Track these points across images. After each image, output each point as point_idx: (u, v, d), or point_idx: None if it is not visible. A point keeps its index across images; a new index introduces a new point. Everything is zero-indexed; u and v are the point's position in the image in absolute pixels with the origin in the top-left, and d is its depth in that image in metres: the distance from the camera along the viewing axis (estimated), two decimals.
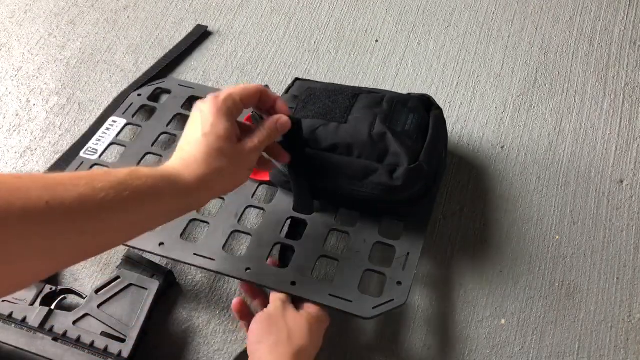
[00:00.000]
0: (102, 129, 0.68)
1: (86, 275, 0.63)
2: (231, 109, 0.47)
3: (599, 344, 0.58)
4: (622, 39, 0.78)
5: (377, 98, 0.60)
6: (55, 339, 0.53)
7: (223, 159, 0.45)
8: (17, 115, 0.74)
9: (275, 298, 0.53)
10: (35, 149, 0.72)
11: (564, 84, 0.74)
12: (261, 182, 0.63)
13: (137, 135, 0.68)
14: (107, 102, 0.75)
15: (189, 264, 0.57)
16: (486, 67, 0.76)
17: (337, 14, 0.82)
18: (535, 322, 0.60)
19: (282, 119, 0.51)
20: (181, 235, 0.58)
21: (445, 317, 0.60)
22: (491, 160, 0.69)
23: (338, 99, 0.60)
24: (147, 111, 0.72)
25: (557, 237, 0.64)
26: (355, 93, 0.61)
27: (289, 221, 0.60)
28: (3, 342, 0.52)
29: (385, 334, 0.59)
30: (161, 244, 0.58)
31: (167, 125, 0.68)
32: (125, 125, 0.69)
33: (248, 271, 0.55)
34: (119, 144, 0.67)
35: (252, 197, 0.62)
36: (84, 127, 0.73)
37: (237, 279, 0.56)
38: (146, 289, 0.56)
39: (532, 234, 0.64)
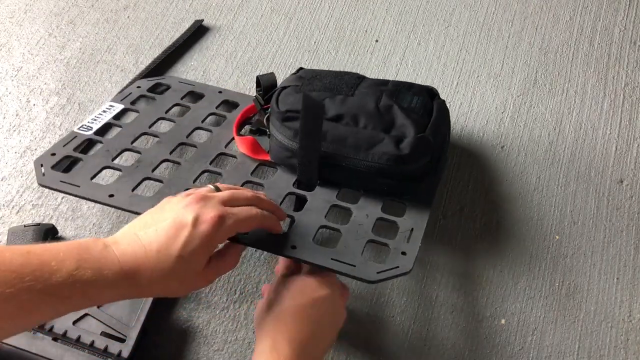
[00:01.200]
0: (99, 110, 0.68)
1: None
2: (223, 239, 0.45)
3: (599, 344, 0.58)
4: (622, 39, 0.78)
5: (381, 81, 0.62)
6: (55, 339, 0.53)
7: (175, 284, 0.43)
8: (17, 115, 0.74)
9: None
10: (35, 149, 0.72)
11: (564, 84, 0.74)
12: (261, 162, 0.62)
13: (135, 118, 0.67)
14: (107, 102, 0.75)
15: None
16: (486, 67, 0.76)
17: (337, 14, 0.82)
18: (535, 322, 0.60)
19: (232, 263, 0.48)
20: None
21: (446, 317, 0.60)
22: (491, 160, 0.69)
23: (344, 77, 0.61)
24: (146, 101, 0.72)
25: (557, 237, 0.64)
26: (360, 76, 0.63)
27: (288, 197, 0.58)
28: (3, 342, 0.52)
29: (386, 334, 0.59)
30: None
31: (166, 113, 0.68)
32: (123, 110, 0.68)
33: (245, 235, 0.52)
34: (115, 125, 0.67)
35: (251, 174, 0.61)
36: None
37: (235, 242, 0.52)
38: None
39: (532, 234, 0.64)
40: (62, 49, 0.80)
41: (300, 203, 0.58)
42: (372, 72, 0.76)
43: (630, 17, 0.79)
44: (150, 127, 0.66)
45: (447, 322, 0.60)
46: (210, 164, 0.62)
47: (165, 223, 0.42)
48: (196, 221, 0.42)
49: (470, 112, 0.73)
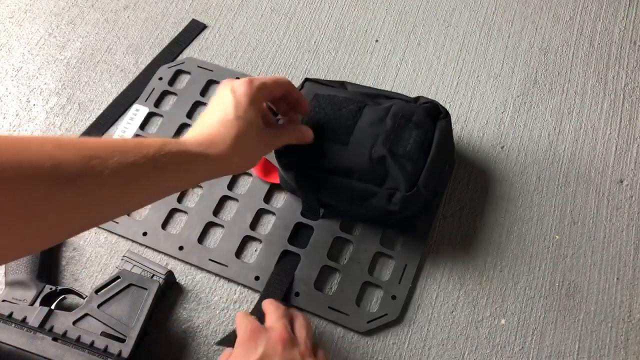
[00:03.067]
0: (127, 118, 0.72)
1: (86, 275, 0.63)
2: (262, 98, 0.50)
3: (599, 344, 0.58)
4: (622, 39, 0.78)
5: (381, 112, 0.60)
6: (55, 339, 0.53)
7: (248, 145, 0.48)
8: (17, 115, 0.74)
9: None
10: None
11: (564, 84, 0.74)
12: (272, 184, 0.66)
13: (159, 126, 0.72)
14: (107, 102, 0.75)
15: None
16: (486, 67, 0.76)
17: (337, 14, 0.82)
18: (535, 322, 0.60)
19: (308, 134, 0.56)
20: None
21: (446, 317, 0.60)
22: (491, 160, 0.69)
23: (342, 114, 0.60)
24: (168, 100, 0.75)
25: (557, 237, 0.64)
26: (360, 106, 0.60)
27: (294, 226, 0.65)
28: (3, 342, 0.52)
29: (386, 334, 0.59)
30: (181, 248, 0.64)
31: (188, 117, 0.72)
32: (148, 114, 0.72)
33: (257, 280, 0.61)
34: (140, 136, 0.71)
35: (264, 199, 0.66)
36: (83, 127, 0.73)
37: (244, 285, 0.62)
38: (146, 289, 0.56)
39: (532, 234, 0.64)
40: (62, 49, 0.80)
41: (305, 235, 0.64)
42: (372, 72, 0.76)
43: (630, 17, 0.79)
44: (173, 136, 0.69)
45: (447, 322, 0.60)
46: (229, 186, 0.67)
47: (211, 107, 0.50)
48: (235, 86, 0.50)
49: (470, 112, 0.73)
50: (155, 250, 0.64)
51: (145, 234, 0.64)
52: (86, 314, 0.54)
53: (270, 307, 0.52)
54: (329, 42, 0.79)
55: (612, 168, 0.68)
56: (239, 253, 0.63)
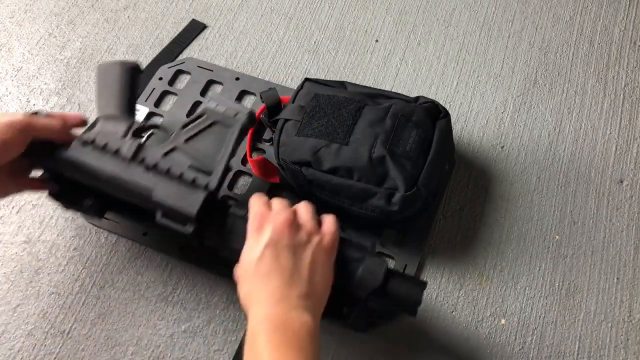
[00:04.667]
0: None
1: (86, 275, 0.63)
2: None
3: (599, 344, 0.58)
4: (622, 39, 0.78)
5: (380, 112, 0.60)
6: (147, 169, 0.54)
7: None
8: None
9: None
10: None
11: (564, 84, 0.74)
12: (272, 184, 0.66)
13: (160, 128, 0.70)
14: None
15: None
16: (486, 67, 0.76)
17: (337, 14, 0.82)
18: (535, 322, 0.60)
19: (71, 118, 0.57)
20: None
21: (445, 317, 0.60)
22: (491, 160, 0.69)
23: (342, 114, 0.60)
24: (168, 99, 0.75)
25: (557, 237, 0.64)
26: (360, 106, 0.61)
27: None
28: (101, 170, 0.54)
29: (386, 334, 0.59)
30: (181, 248, 0.63)
31: (188, 116, 0.72)
32: (148, 114, 0.73)
33: None
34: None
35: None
36: (83, 127, 0.73)
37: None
38: (230, 126, 0.56)
39: (532, 234, 0.64)
40: (62, 49, 0.80)
41: None
42: (372, 72, 0.76)
43: (630, 17, 0.79)
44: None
45: (447, 322, 0.60)
46: (229, 185, 0.67)
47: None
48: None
49: (470, 112, 0.73)
50: (155, 250, 0.64)
51: (145, 234, 0.64)
52: (175, 147, 0.55)
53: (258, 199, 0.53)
54: (329, 42, 0.79)
55: (612, 168, 0.68)
56: None
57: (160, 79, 0.75)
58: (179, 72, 0.76)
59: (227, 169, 0.55)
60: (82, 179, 0.55)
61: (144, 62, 0.78)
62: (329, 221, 0.51)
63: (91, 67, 0.78)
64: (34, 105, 0.75)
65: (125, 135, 0.57)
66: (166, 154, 0.55)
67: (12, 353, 0.59)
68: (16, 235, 0.66)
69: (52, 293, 0.62)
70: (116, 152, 0.55)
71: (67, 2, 0.84)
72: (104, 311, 0.61)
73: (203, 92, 0.74)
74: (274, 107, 0.66)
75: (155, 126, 0.61)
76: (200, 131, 0.56)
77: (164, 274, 0.63)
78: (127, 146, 0.55)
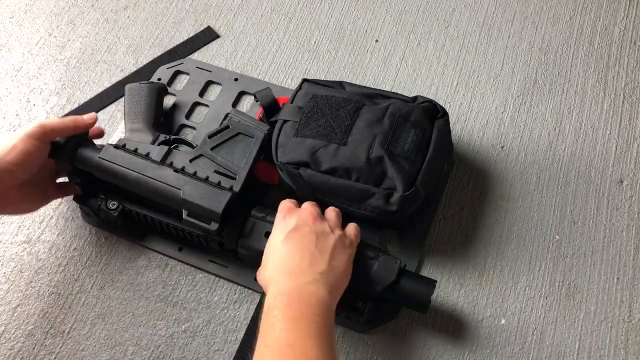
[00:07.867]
0: None
1: (86, 275, 0.63)
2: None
3: (599, 344, 0.58)
4: (622, 39, 0.78)
5: (378, 112, 0.60)
6: (175, 171, 0.58)
7: None
8: (17, 115, 0.74)
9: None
10: None
11: (564, 84, 0.74)
12: (271, 185, 0.66)
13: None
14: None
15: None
16: (486, 67, 0.76)
17: (337, 14, 0.82)
18: (535, 322, 0.60)
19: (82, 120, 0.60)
20: None
21: (445, 317, 0.60)
22: (491, 160, 0.69)
23: (340, 115, 0.60)
24: (168, 99, 0.75)
25: (557, 237, 0.64)
26: (358, 106, 0.61)
27: None
28: (132, 169, 0.58)
29: (385, 335, 0.59)
30: (180, 249, 0.64)
31: (187, 118, 0.72)
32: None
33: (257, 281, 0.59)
34: None
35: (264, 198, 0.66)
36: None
37: (244, 286, 0.62)
38: (253, 137, 0.61)
39: (532, 234, 0.64)
40: (62, 49, 0.80)
41: None
42: (372, 72, 0.76)
43: (630, 17, 0.79)
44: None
45: (447, 321, 0.60)
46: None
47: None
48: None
49: (470, 112, 0.73)
50: (155, 251, 0.64)
51: (144, 235, 0.64)
52: (201, 155, 0.60)
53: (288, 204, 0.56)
54: (329, 42, 0.79)
55: (612, 168, 0.68)
56: None
57: (159, 79, 0.75)
58: (177, 73, 0.76)
59: (250, 174, 0.59)
60: (113, 179, 0.58)
61: (143, 62, 0.78)
62: (352, 225, 0.55)
63: (91, 67, 0.78)
64: (34, 105, 0.75)
65: (152, 143, 0.62)
66: (192, 159, 0.59)
67: (12, 353, 0.59)
68: (16, 235, 0.66)
69: (52, 293, 0.62)
70: (146, 156, 0.59)
71: (67, 2, 0.84)
72: (104, 311, 0.61)
73: (202, 93, 0.74)
74: (270, 106, 0.65)
75: (180, 140, 0.65)
76: (225, 140, 0.60)
77: (164, 274, 0.63)
78: (157, 151, 0.59)
